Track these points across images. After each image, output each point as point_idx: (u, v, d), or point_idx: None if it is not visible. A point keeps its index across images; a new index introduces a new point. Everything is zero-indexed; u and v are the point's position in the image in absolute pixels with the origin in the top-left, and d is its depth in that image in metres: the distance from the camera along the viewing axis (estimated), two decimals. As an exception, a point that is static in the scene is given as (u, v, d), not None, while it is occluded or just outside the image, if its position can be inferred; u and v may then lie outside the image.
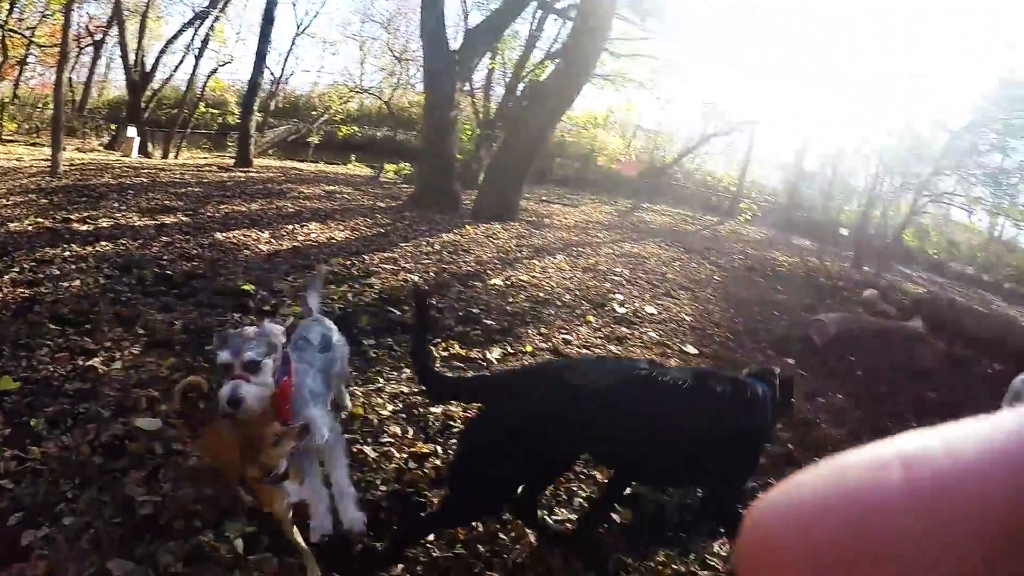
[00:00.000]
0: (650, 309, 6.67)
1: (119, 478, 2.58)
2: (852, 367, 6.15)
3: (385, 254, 7.15)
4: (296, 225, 8.20)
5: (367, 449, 3.09)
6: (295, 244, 7.24)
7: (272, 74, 24.41)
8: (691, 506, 3.06)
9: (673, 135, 26.88)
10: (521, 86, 18.96)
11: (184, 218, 7.83)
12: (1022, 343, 7.20)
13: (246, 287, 5.22)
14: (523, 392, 2.19)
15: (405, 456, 3.10)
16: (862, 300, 9.60)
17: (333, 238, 7.89)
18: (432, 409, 3.56)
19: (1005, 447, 0.21)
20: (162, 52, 21.26)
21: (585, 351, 5.10)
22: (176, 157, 18.71)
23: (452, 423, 3.48)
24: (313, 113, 26.88)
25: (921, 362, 6.74)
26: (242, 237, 7.17)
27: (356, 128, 25.92)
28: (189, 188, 10.28)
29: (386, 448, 3.14)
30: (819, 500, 0.22)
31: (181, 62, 21.93)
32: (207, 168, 14.82)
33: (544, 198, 16.37)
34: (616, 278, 7.76)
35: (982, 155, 19.27)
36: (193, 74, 21.55)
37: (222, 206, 9.05)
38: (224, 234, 7.19)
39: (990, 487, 0.20)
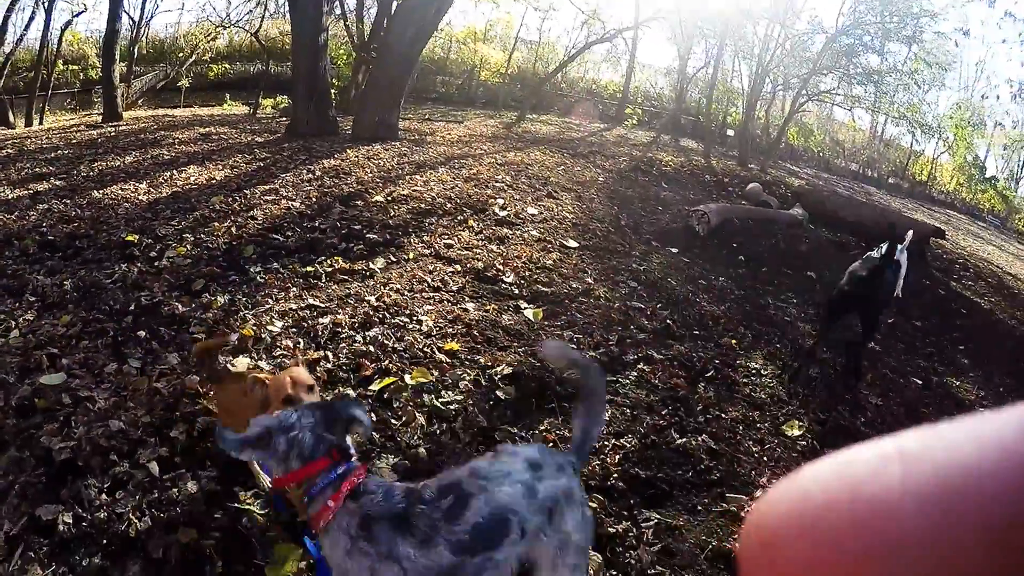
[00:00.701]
0: (532, 210, 8.21)
1: (34, 434, 3.46)
2: (734, 253, 8.26)
3: (266, 186, 8.62)
4: (174, 171, 9.69)
5: (263, 363, 4.25)
6: (175, 189, 8.61)
7: (131, 19, 26.61)
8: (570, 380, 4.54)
9: (555, 45, 31.63)
10: (395, 4, 20.47)
11: (58, 183, 9.03)
12: (893, 226, 9.87)
13: (130, 237, 6.46)
14: None
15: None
16: (745, 193, 12.09)
17: (213, 178, 9.26)
18: (320, 320, 4.81)
19: (1008, 445, 0.25)
20: (9, 11, 22.53)
21: (466, 252, 6.45)
22: (41, 123, 21.04)
23: (339, 329, 4.71)
24: (180, 55, 29.14)
25: (800, 246, 9.01)
26: (120, 191, 8.43)
27: (228, 66, 30.14)
28: (59, 152, 11.98)
29: (279, 359, 4.33)
30: (821, 496, 0.28)
31: (32, 19, 23.75)
32: (75, 129, 16.45)
33: (427, 117, 19.01)
34: (498, 185, 9.37)
35: (859, 56, 23.76)
36: (46, 30, 23.39)
37: (95, 164, 10.33)
38: (101, 191, 8.42)
39: (992, 485, 0.24)
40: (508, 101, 25.53)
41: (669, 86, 30.89)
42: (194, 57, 28.09)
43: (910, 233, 7.62)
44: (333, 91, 15.69)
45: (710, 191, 12.69)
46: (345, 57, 21.81)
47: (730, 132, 25.88)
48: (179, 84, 26.70)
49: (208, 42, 28.56)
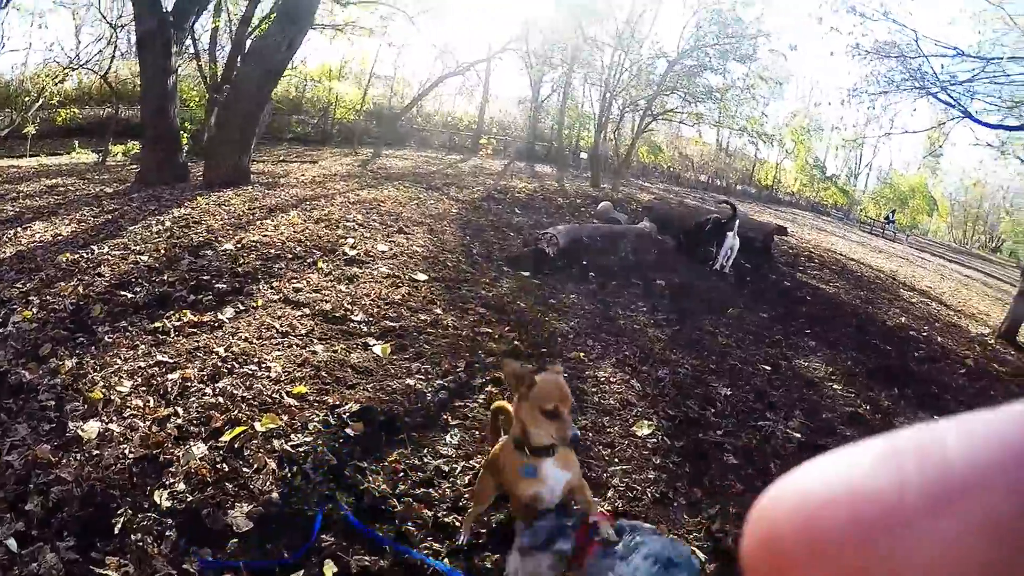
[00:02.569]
0: (382, 247, 8.19)
1: None
2: (584, 270, 8.46)
3: (114, 240, 8.14)
4: (18, 229, 8.99)
5: (113, 426, 4.04)
6: (19, 248, 8.01)
7: (-29, 61, 23.71)
8: (424, 409, 4.54)
9: (410, 80, 32.02)
10: (249, 43, 20.21)
11: None
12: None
13: (-30, 305, 5.98)
14: None
15: (149, 423, 4.11)
16: (596, 212, 12.48)
17: (59, 234, 8.69)
18: (169, 376, 4.61)
19: (1007, 440, 0.25)
20: None
21: (315, 294, 6.37)
22: None
23: (189, 384, 4.54)
24: (27, 100, 26.65)
25: (648, 257, 9.39)
26: (-44, 256, 7.78)
27: (77, 110, 27.84)
28: None
29: (130, 420, 4.13)
30: (825, 492, 0.27)
31: None
32: (-98, 191, 14.65)
33: (282, 158, 18.81)
34: (349, 224, 9.29)
35: (700, 76, 25.53)
36: None
37: (-74, 229, 9.46)
38: (-66, 259, 7.76)
39: (993, 481, 0.24)
40: (364, 138, 25.70)
41: (523, 115, 31.97)
42: (41, 101, 26.11)
43: (736, 222, 9.45)
44: (185, 135, 15.25)
45: (563, 214, 13.07)
46: (198, 99, 21.11)
47: (584, 155, 26.91)
48: (25, 131, 24.57)
49: (56, 84, 26.57)
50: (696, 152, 39.62)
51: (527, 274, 8.02)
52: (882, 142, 45.49)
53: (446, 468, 3.79)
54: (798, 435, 4.98)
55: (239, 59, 19.46)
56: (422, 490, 3.59)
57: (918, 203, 48.86)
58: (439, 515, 3.41)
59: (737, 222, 10.44)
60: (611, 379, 5.32)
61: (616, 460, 4.14)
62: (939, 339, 9.93)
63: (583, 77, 28.10)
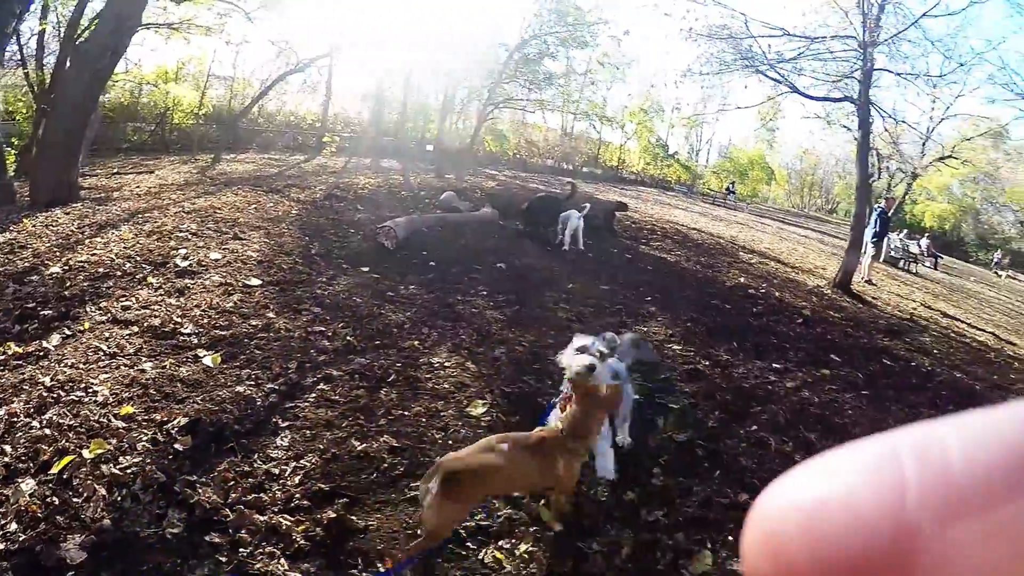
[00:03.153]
0: (215, 255, 7.78)
1: None
2: (424, 260, 8.36)
3: None
4: None
5: None
6: None
7: None
8: (254, 414, 4.34)
9: (251, 80, 29.95)
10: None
11: None
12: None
13: None
14: None
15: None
16: (439, 203, 12.37)
17: None
18: None
19: (1007, 439, 0.25)
20: None
21: (144, 311, 5.97)
22: None
23: (15, 419, 4.15)
24: None
25: (489, 242, 9.43)
26: None
27: None
28: None
29: None
30: (826, 492, 0.27)
31: None
32: None
33: (116, 170, 16.95)
34: (182, 234, 8.74)
35: (542, 63, 25.96)
36: None
37: None
38: None
39: (993, 479, 0.24)
40: (204, 143, 23.76)
41: (368, 110, 31.10)
42: None
43: (587, 206, 9.32)
44: (12, 151, 13.57)
45: (407, 207, 12.87)
46: (25, 111, 18.64)
47: (429, 147, 26.71)
48: None
49: None
50: (541, 138, 40.31)
51: (366, 270, 7.83)
52: (716, 118, 48.24)
53: (276, 471, 3.72)
54: (636, 397, 5.08)
55: (65, 64, 18.05)
56: (253, 496, 3.49)
57: (757, 174, 51.90)
58: (271, 519, 3.32)
59: (587, 205, 10.69)
60: (446, 364, 5.27)
61: (450, 442, 4.11)
62: (777, 294, 10.48)
63: (426, 68, 27.98)
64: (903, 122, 18.85)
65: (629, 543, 3.48)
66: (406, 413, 4.40)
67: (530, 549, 3.34)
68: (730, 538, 3.66)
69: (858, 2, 12.64)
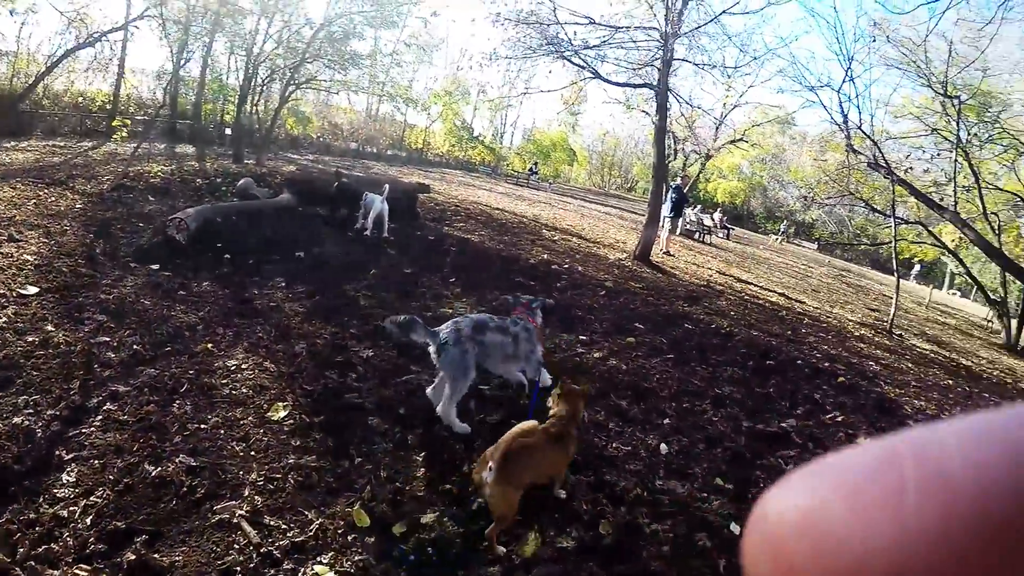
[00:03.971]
0: (-16, 263, 6.85)
1: None
2: (219, 253, 7.92)
3: None
4: None
5: None
6: None
7: None
8: (35, 449, 3.87)
9: (36, 56, 25.93)
10: None
11: None
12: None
13: None
14: None
15: None
16: (237, 190, 11.72)
17: None
18: None
19: (1009, 442, 0.25)
20: None
21: None
22: None
23: None
24: None
25: (288, 230, 9.12)
26: None
27: None
28: None
29: None
30: (826, 493, 0.28)
31: None
32: None
33: None
34: None
35: (347, 43, 25.17)
36: None
37: None
38: None
39: (994, 483, 0.24)
40: None
41: (163, 91, 28.79)
42: None
43: (387, 186, 9.89)
44: None
45: (202, 195, 12.07)
46: None
47: (228, 131, 25.26)
48: None
49: None
50: (346, 120, 39.42)
51: (156, 267, 7.21)
52: (521, 101, 49.25)
53: (65, 514, 3.19)
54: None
55: None
56: (44, 547, 2.98)
57: (560, 155, 53.78)
58: (67, 572, 2.86)
59: (387, 186, 10.52)
60: (243, 365, 4.91)
61: (252, 453, 3.82)
62: (580, 268, 10.85)
63: (226, 46, 26.24)
64: (699, 108, 20.05)
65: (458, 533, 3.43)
66: (203, 426, 4.02)
67: (358, 559, 3.17)
68: (556, 516, 3.70)
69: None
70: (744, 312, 10.91)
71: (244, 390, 4.54)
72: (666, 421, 5.30)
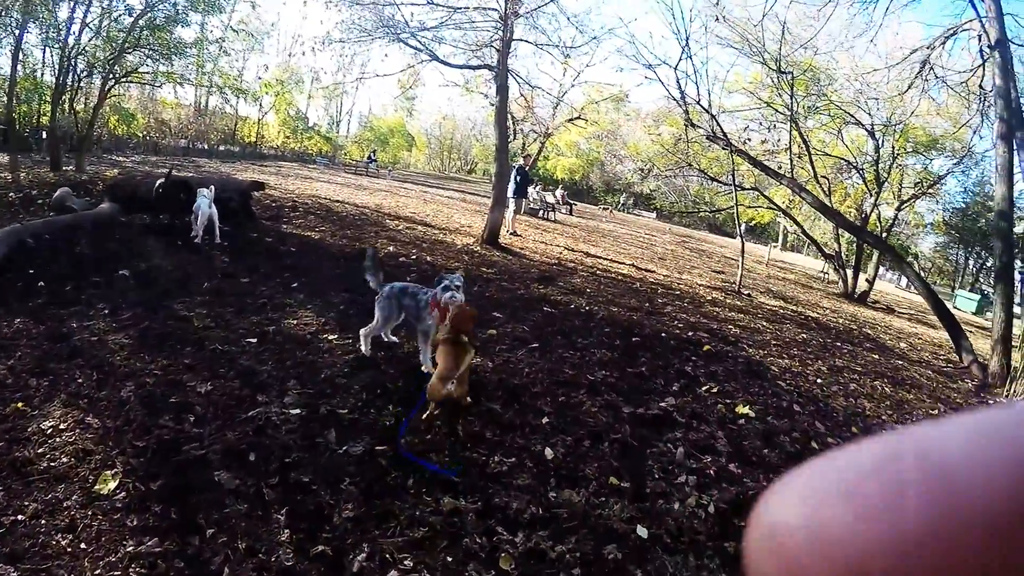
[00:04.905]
0: None
1: None
2: (30, 281, 6.76)
3: None
4: None
5: None
6: None
7: None
8: None
9: None
10: None
11: None
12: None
13: None
14: None
15: None
16: (52, 202, 10.35)
17: None
18: None
19: (1011, 440, 0.25)
20: None
21: None
22: None
23: None
24: None
25: (110, 245, 8.22)
26: None
27: None
28: None
29: None
30: (826, 492, 0.27)
31: None
32: None
33: None
34: None
35: (167, 30, 23.15)
36: None
37: None
38: None
39: (995, 481, 0.24)
40: None
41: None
42: None
43: (211, 188, 9.34)
44: None
45: (16, 211, 10.49)
46: None
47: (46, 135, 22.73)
48: None
49: None
50: (174, 116, 36.51)
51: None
52: (355, 88, 47.88)
53: None
54: (297, 411, 4.44)
55: None
56: None
57: (398, 141, 52.94)
58: None
59: (212, 188, 9.54)
60: (62, 426, 3.94)
61: (82, 546, 2.93)
62: (428, 258, 10.38)
63: (39, 37, 23.43)
64: (538, 88, 19.87)
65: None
66: (19, 517, 3.07)
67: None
68: (449, 559, 3.17)
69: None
70: (600, 288, 10.79)
71: (65, 459, 3.58)
72: (545, 420, 4.90)
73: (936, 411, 7.76)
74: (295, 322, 6.38)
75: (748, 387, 6.71)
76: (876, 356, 10.44)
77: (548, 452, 4.42)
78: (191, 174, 15.06)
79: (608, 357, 6.76)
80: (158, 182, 9.89)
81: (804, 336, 10.60)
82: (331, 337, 6.04)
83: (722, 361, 7.50)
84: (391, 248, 10.76)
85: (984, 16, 11.52)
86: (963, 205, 49.53)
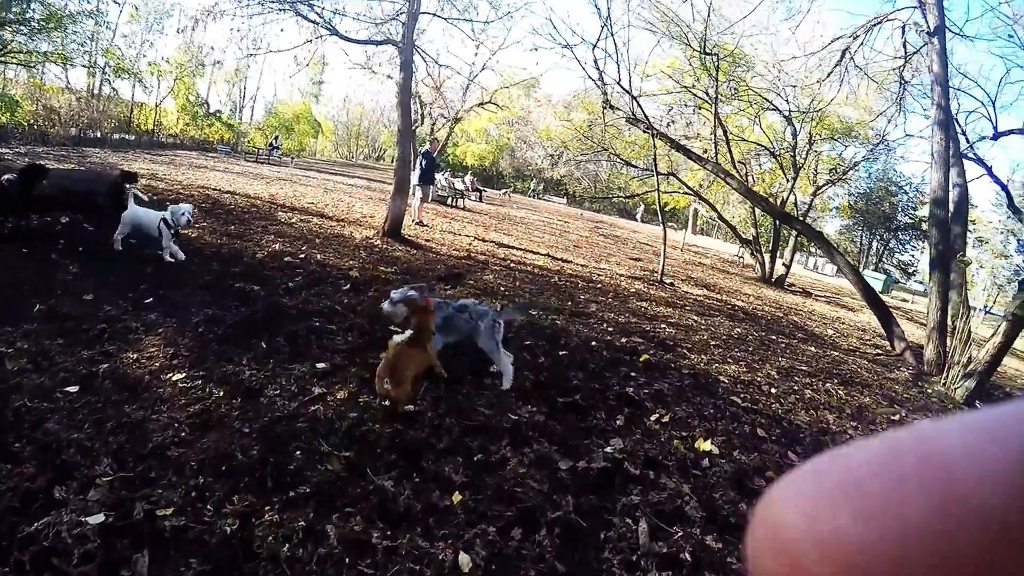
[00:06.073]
0: None
1: None
2: None
3: None
4: None
5: None
6: None
7: None
8: None
9: None
10: None
11: None
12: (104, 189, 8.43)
13: None
14: None
15: None
16: None
17: None
18: None
19: (1009, 437, 0.24)
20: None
21: None
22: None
23: None
24: None
25: None
26: None
27: None
28: None
29: None
30: (828, 489, 0.27)
31: None
32: None
33: None
34: None
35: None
36: None
37: None
38: None
39: (992, 477, 0.23)
40: None
41: None
42: None
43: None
44: None
45: None
46: None
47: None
48: None
49: None
50: (64, 103, 32.51)
51: None
52: (250, 67, 45.28)
53: None
54: (99, 518, 2.76)
55: None
56: None
57: (303, 127, 50.27)
58: None
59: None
60: None
61: None
62: (319, 256, 8.67)
63: None
64: (447, 67, 18.37)
65: None
66: None
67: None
68: None
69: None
70: (516, 285, 9.30)
71: None
72: (456, 500, 3.32)
73: (897, 416, 6.82)
74: (135, 356, 4.59)
75: (702, 409, 5.39)
76: (813, 349, 9.65)
77: (463, 559, 2.87)
78: (74, 167, 12.83)
79: (532, 382, 5.23)
80: (4, 176, 7.74)
81: (739, 331, 9.55)
82: (175, 377, 4.30)
83: (665, 375, 6.15)
84: (276, 246, 8.91)
85: (923, 3, 10.92)
86: (867, 190, 51.01)
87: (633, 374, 5.92)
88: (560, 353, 6.14)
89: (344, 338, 5.51)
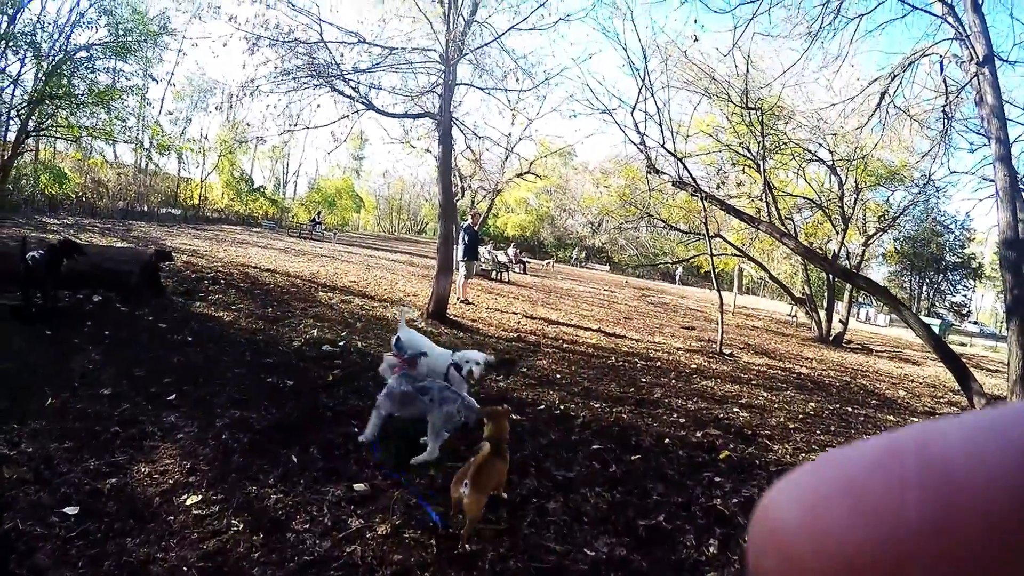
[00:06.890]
0: None
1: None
2: None
3: None
4: None
5: None
6: None
7: None
8: None
9: None
10: None
11: None
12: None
13: None
14: None
15: None
16: None
17: None
18: None
19: (1009, 438, 0.24)
20: None
21: None
22: None
23: None
24: None
25: None
26: None
27: None
28: None
29: None
30: (827, 488, 0.26)
31: None
32: None
33: None
34: None
35: (83, 76, 20.78)
36: None
37: None
38: None
39: (993, 479, 0.23)
40: None
41: None
42: None
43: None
44: None
45: None
46: None
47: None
48: None
49: None
50: (112, 176, 32.94)
51: None
52: (289, 143, 45.88)
53: None
54: None
55: None
56: None
57: (346, 202, 50.63)
58: None
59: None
60: None
61: None
62: (360, 344, 8.01)
63: None
64: (487, 138, 17.97)
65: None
66: None
67: None
68: None
69: (443, 15, 10.95)
70: (572, 370, 8.43)
71: None
72: None
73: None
74: (147, 470, 3.94)
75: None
76: (892, 418, 8.93)
77: None
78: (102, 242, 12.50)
79: (607, 504, 4.36)
80: (30, 253, 7.25)
81: (813, 406, 8.67)
82: (190, 501, 3.61)
83: (751, 475, 5.28)
84: (315, 332, 8.24)
85: (968, 33, 10.03)
86: (912, 232, 49.50)
87: (718, 479, 5.04)
88: (633, 458, 5.26)
89: (384, 449, 4.75)
